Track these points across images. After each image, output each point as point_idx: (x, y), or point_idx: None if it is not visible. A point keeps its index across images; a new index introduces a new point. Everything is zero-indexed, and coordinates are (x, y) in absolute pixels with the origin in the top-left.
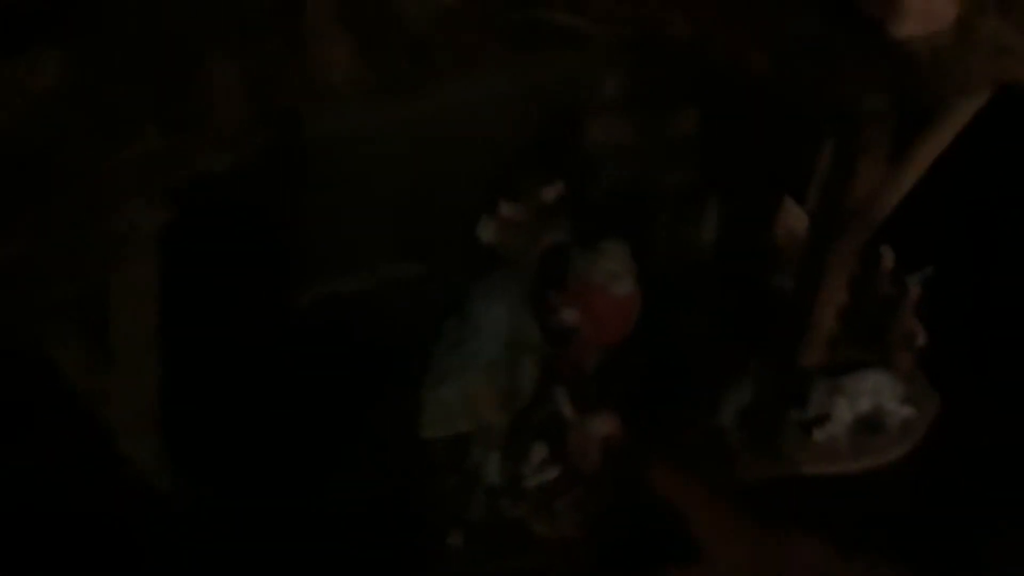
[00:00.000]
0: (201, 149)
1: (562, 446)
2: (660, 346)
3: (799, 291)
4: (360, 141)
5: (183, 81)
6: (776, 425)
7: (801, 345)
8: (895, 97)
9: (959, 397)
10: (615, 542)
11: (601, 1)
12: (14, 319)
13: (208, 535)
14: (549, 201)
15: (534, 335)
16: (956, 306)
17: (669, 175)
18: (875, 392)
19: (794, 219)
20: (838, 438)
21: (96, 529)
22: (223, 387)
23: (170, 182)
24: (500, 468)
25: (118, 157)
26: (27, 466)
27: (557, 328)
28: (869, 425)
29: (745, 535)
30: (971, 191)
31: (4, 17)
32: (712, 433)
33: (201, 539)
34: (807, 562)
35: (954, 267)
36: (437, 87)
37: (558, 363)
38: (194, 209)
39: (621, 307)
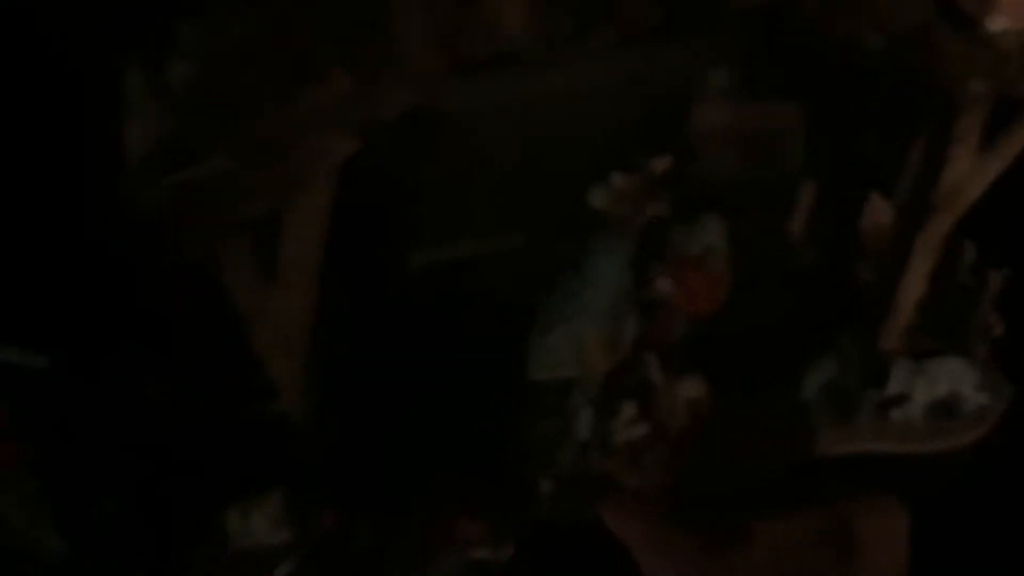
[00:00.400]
0: (387, 92)
1: (651, 406)
2: (749, 321)
3: (882, 279)
4: (483, 116)
5: (371, 31)
6: (855, 403)
7: (882, 330)
8: (994, 85)
9: None
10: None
11: None
12: (203, 231)
13: (334, 462)
14: (657, 175)
15: (635, 296)
16: None
17: (767, 162)
18: (952, 378)
19: (880, 212)
20: (914, 419)
21: (234, 451)
22: (350, 330)
23: (357, 120)
24: (592, 423)
25: (310, 95)
26: (175, 384)
27: (652, 296)
28: (945, 409)
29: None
30: None
31: None
32: (794, 406)
33: (329, 464)
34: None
35: None
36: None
37: (650, 329)
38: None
39: (714, 281)
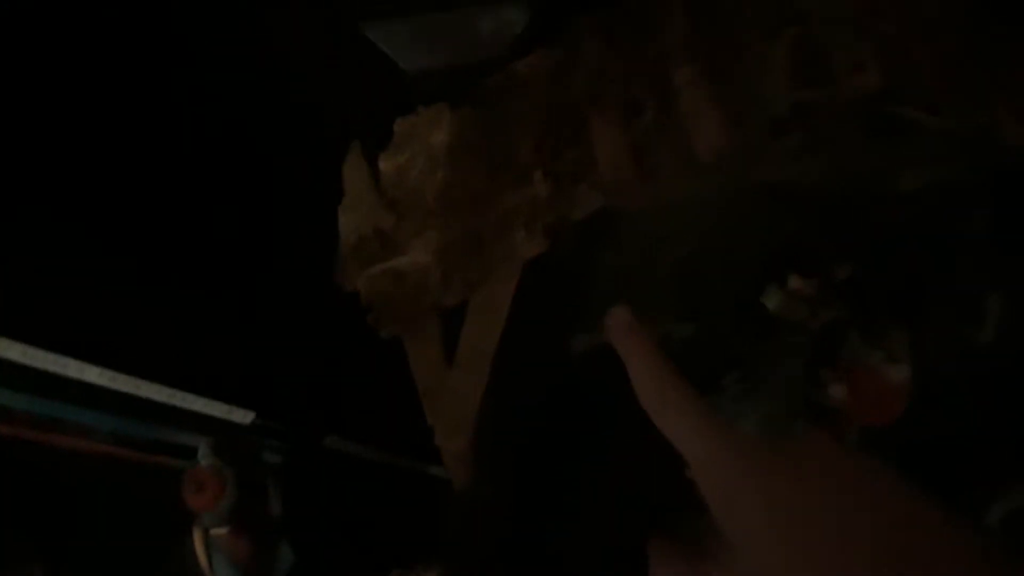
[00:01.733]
0: (580, 197)
1: None
2: (927, 437)
3: None
4: (661, 211)
5: (571, 140)
6: None
7: None
8: None
9: None
10: None
11: (952, 104)
12: (398, 316)
13: (502, 528)
14: (837, 279)
15: (804, 403)
16: None
17: (956, 269)
18: None
19: None
20: None
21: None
22: (517, 412)
23: (551, 222)
24: None
25: (507, 197)
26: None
27: (823, 403)
28: None
29: None
30: None
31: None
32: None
33: (493, 527)
34: None
35: None
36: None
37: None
38: None
39: (892, 392)
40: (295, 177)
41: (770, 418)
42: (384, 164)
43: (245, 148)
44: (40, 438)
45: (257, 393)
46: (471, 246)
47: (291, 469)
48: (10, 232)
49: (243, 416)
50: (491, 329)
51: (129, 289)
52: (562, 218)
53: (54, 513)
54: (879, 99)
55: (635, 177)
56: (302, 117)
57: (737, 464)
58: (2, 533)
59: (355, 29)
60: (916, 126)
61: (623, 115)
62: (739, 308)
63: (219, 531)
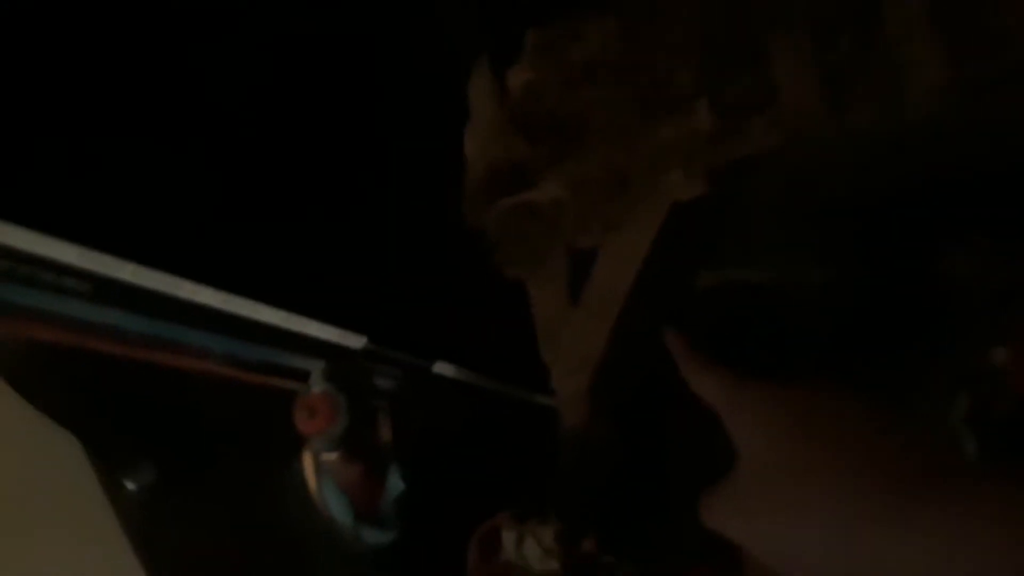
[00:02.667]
0: (753, 133)
1: None
2: None
3: None
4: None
5: (745, 65)
6: None
7: None
8: None
9: None
10: None
11: None
12: (527, 255)
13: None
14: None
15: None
16: None
17: None
18: None
19: None
20: None
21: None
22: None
23: (713, 161)
24: None
25: (661, 130)
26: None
27: (982, 367)
28: None
29: None
30: None
31: None
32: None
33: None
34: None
35: None
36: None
37: (973, 402)
38: None
39: None
40: (417, 95)
41: (931, 387)
42: (513, 80)
43: (362, 64)
44: (154, 357)
45: (370, 317)
46: (614, 183)
47: (401, 396)
48: (122, 152)
49: (355, 340)
50: (625, 272)
51: (244, 210)
52: (727, 160)
53: (168, 429)
54: None
55: (827, 113)
56: (423, 27)
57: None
58: (117, 439)
59: None
60: None
61: (814, 39)
62: (902, 261)
63: (329, 456)
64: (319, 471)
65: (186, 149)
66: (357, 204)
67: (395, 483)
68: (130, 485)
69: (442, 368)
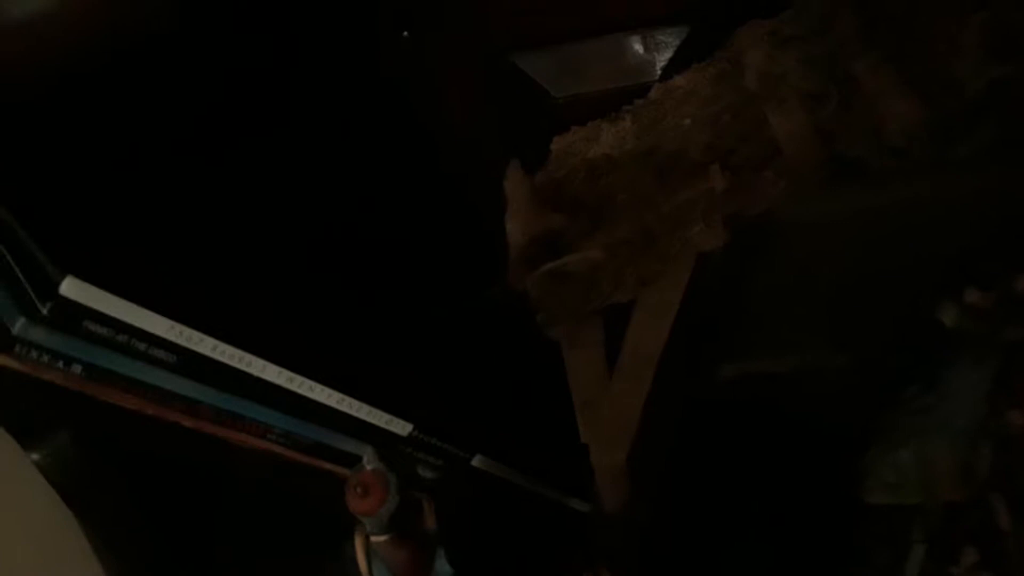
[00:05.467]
0: (762, 185)
1: (995, 554)
2: None
3: None
4: (821, 226)
5: (749, 133)
6: None
7: None
8: None
9: None
10: None
11: None
12: (565, 315)
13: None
14: (1018, 293)
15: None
16: None
17: None
18: None
19: None
20: None
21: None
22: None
23: (730, 213)
24: (922, 562)
25: (681, 193)
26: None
27: (1005, 429)
28: None
29: None
30: None
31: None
32: None
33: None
34: None
35: None
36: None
37: (1001, 467)
38: None
39: None
40: (457, 203)
41: (955, 440)
42: (542, 181)
43: (411, 176)
44: (220, 432)
45: (415, 406)
46: (644, 241)
47: (442, 486)
48: (209, 233)
49: (402, 428)
50: (658, 330)
51: (309, 295)
52: (742, 210)
53: (224, 509)
54: None
55: (823, 160)
56: (457, 144)
57: None
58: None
59: (505, 60)
60: None
61: (804, 104)
62: (911, 325)
63: (380, 538)
64: (370, 554)
65: (265, 244)
66: (409, 294)
67: (443, 569)
68: None
69: (481, 462)
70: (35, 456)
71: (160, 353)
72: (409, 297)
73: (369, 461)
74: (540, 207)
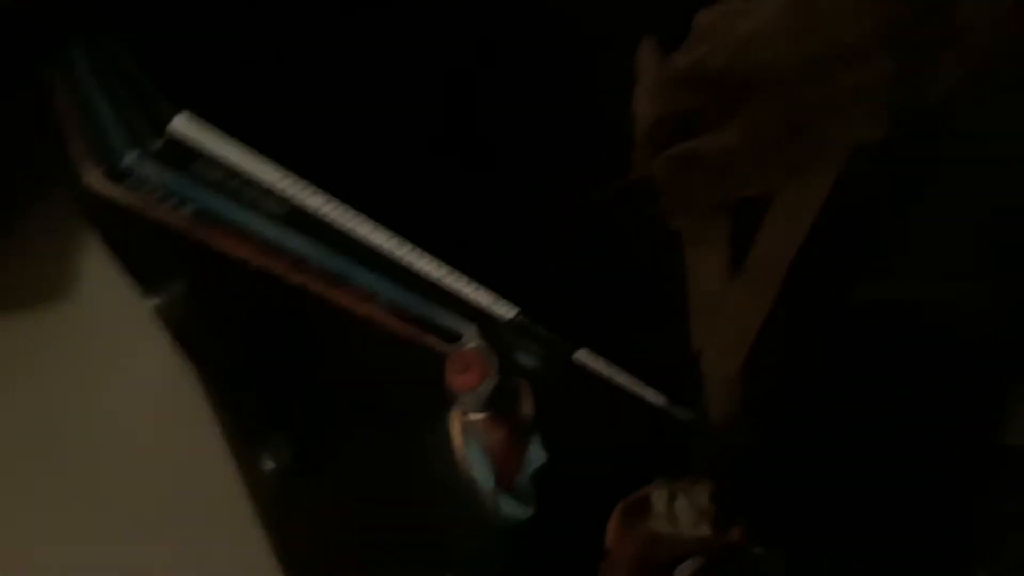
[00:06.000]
0: (937, 73)
1: None
2: None
3: None
4: (991, 135)
5: (924, 13)
6: None
7: None
8: None
9: None
10: None
11: None
12: (691, 205)
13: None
14: None
15: None
16: None
17: None
18: None
19: None
20: None
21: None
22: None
23: (891, 104)
24: None
25: (839, 76)
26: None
27: None
28: None
29: None
30: None
31: None
32: None
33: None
34: None
35: None
36: None
37: None
38: None
39: None
40: (584, 73)
41: None
42: (682, 59)
43: (542, 45)
44: (326, 291)
45: (523, 290)
46: (790, 126)
47: (541, 375)
48: (332, 86)
49: (506, 310)
50: (794, 232)
51: (426, 162)
52: (910, 99)
53: (327, 371)
54: None
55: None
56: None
57: None
58: (259, 409)
59: None
60: None
61: None
62: None
63: (476, 416)
64: (465, 430)
65: (391, 103)
66: (530, 170)
67: (537, 454)
68: (267, 464)
69: (584, 356)
70: (153, 303)
71: (269, 203)
72: (529, 181)
73: (471, 339)
74: (673, 83)
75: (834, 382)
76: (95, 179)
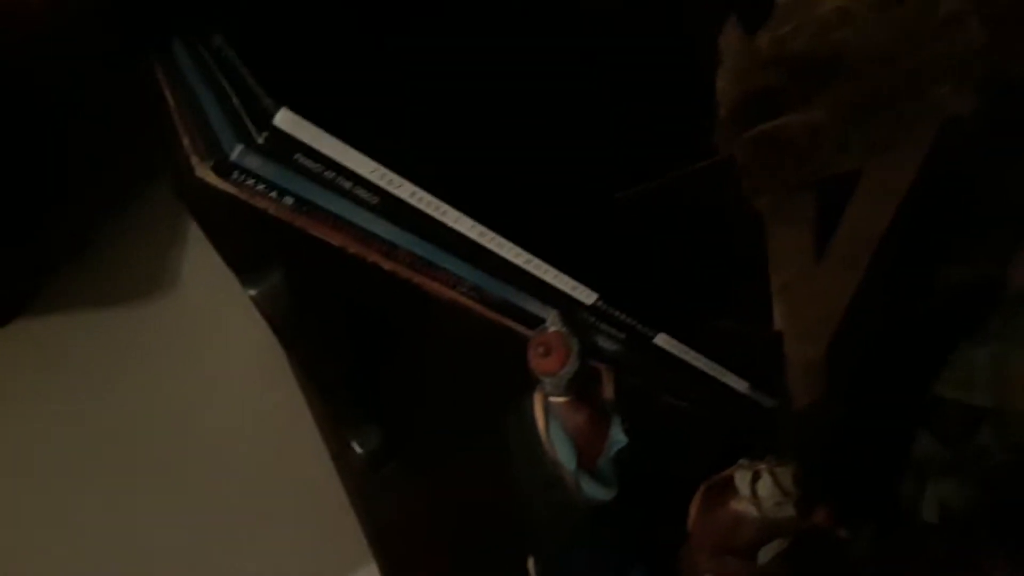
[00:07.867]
0: None
1: None
2: None
3: None
4: None
5: None
6: None
7: None
8: None
9: None
10: None
11: None
12: (776, 184)
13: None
14: None
15: None
16: None
17: None
18: None
19: None
20: None
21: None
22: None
23: (985, 74)
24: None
25: (928, 47)
26: None
27: None
28: None
29: None
30: None
31: None
32: None
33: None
34: None
35: None
36: None
37: None
38: None
39: None
40: (667, 55)
41: None
42: (764, 39)
43: (624, 29)
44: (414, 277)
45: (603, 276)
46: (877, 102)
47: (621, 359)
48: (419, 80)
49: (587, 296)
50: (882, 210)
51: (510, 152)
52: (1003, 69)
53: (415, 356)
54: None
55: None
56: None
57: None
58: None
59: None
60: None
61: None
62: None
63: (558, 399)
64: (547, 412)
65: (477, 96)
66: (611, 154)
67: (618, 436)
68: (357, 448)
69: (664, 341)
70: (251, 292)
71: (363, 193)
72: (610, 165)
73: (553, 323)
74: (758, 65)
75: (922, 364)
76: (206, 172)
